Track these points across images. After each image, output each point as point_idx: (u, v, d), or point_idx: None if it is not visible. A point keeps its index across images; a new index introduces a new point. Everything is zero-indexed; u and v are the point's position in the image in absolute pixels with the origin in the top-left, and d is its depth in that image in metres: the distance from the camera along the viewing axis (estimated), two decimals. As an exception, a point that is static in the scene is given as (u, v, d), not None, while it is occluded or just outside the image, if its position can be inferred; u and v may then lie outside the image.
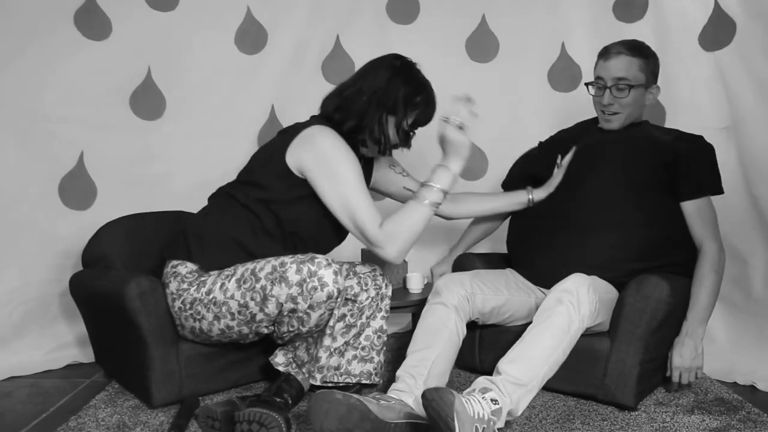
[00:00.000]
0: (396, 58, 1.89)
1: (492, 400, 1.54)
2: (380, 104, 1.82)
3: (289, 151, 1.76)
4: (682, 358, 1.86)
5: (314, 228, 1.85)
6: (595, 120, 2.17)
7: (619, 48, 2.00)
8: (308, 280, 1.63)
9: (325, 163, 1.75)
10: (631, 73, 1.98)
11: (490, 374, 1.66)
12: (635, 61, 1.98)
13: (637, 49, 2.00)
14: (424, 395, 1.48)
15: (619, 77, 1.98)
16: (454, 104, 1.79)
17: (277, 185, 1.79)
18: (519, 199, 2.09)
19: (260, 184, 1.80)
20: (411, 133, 1.89)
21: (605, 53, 2.02)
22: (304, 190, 1.79)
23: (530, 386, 1.62)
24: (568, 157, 2.05)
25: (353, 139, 1.85)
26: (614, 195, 1.94)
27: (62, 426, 1.76)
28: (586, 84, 2.08)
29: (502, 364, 1.65)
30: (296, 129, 1.82)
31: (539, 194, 2.05)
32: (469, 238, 2.34)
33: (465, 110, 1.77)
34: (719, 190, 1.99)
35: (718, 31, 2.39)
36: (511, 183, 2.29)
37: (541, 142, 2.29)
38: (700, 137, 2.01)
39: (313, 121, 1.86)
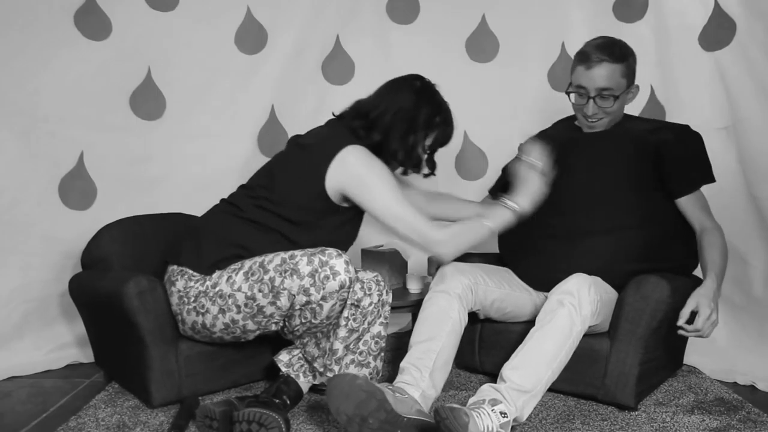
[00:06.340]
0: (416, 78, 1.92)
1: (501, 413, 1.55)
2: (403, 124, 1.84)
3: (329, 176, 1.77)
4: (711, 309, 1.69)
5: (346, 242, 1.93)
6: (574, 118, 2.12)
7: (599, 55, 1.88)
8: (320, 270, 1.65)
9: (365, 184, 1.77)
10: (615, 81, 1.89)
11: (490, 374, 1.66)
12: (618, 68, 1.89)
13: (617, 54, 1.89)
14: (437, 411, 1.49)
15: (604, 87, 1.89)
16: (531, 145, 1.82)
17: (313, 208, 1.81)
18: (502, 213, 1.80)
19: (294, 208, 1.80)
20: (433, 155, 1.93)
21: (586, 60, 1.90)
22: (342, 215, 1.84)
23: (534, 392, 1.63)
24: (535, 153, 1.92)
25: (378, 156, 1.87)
26: (602, 198, 1.91)
27: (62, 426, 1.76)
28: (567, 92, 1.98)
29: (506, 370, 1.65)
30: (325, 147, 1.80)
31: (521, 201, 1.79)
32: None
33: (538, 151, 1.80)
34: (711, 179, 1.94)
35: (718, 31, 2.39)
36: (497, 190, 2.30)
37: (521, 143, 2.27)
38: (686, 126, 1.96)
39: (337, 133, 1.85)
